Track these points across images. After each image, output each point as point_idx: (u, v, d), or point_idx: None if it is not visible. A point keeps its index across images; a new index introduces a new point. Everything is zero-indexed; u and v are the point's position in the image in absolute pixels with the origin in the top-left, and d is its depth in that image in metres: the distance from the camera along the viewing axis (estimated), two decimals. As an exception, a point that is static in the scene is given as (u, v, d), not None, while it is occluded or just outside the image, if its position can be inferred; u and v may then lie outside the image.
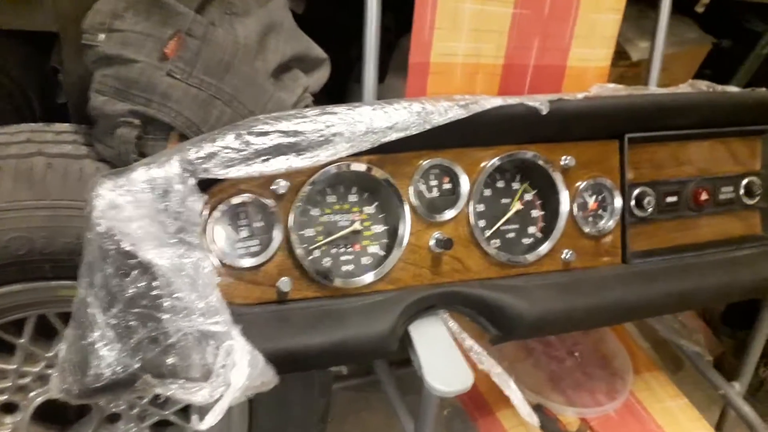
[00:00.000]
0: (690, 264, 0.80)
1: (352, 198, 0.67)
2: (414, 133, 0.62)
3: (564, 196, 0.74)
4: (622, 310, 0.76)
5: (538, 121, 0.68)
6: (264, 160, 0.57)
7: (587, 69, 1.04)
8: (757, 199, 0.85)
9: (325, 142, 0.59)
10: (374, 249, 0.68)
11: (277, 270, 0.62)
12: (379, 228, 0.68)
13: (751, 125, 0.83)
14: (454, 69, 0.94)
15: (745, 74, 1.72)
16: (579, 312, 0.72)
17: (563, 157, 0.73)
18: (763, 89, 0.88)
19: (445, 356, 0.65)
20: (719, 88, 0.86)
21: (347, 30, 0.93)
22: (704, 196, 0.81)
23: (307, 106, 0.80)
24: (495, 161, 0.70)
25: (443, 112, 0.62)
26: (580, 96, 0.70)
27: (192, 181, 0.54)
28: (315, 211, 0.65)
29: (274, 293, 0.62)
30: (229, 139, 0.56)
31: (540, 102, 0.67)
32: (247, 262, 0.61)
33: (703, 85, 0.86)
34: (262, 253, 0.61)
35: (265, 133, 0.56)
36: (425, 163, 0.67)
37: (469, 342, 0.69)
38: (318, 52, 0.82)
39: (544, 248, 0.73)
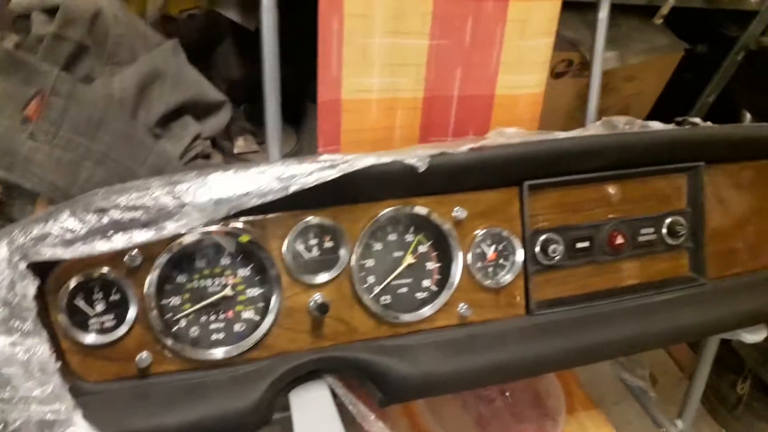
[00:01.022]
0: (604, 312, 0.77)
1: (224, 261, 0.64)
2: (274, 198, 0.59)
3: (457, 249, 0.70)
4: (524, 366, 0.72)
5: (419, 176, 0.65)
6: (103, 238, 0.54)
7: (519, 97, 1.00)
8: (683, 239, 0.80)
9: (173, 214, 0.56)
10: (249, 314, 0.65)
11: (135, 344, 0.60)
12: (254, 292, 0.65)
13: (675, 163, 0.79)
14: (369, 105, 0.91)
15: (720, 80, 1.66)
16: (472, 370, 0.68)
17: (455, 209, 0.70)
18: (693, 124, 0.83)
19: (321, 426, 0.63)
20: (638, 124, 0.82)
21: (302, 46, 0.90)
22: (620, 240, 0.77)
23: (198, 156, 0.78)
24: (378, 218, 0.67)
25: (307, 174, 0.59)
26: (465, 148, 0.66)
27: (22, 265, 0.52)
28: (181, 278, 0.63)
29: (133, 368, 0.60)
30: (63, 218, 0.53)
31: (418, 158, 0.64)
32: (100, 340, 0.59)
33: (622, 122, 0.81)
34: (117, 328, 0.59)
35: (102, 210, 0.54)
36: (300, 224, 0.64)
37: (356, 408, 0.66)
38: (214, 95, 0.79)
39: (438, 303, 0.70)
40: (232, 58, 1.36)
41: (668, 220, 0.80)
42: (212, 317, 0.64)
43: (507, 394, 0.97)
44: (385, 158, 0.63)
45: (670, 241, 0.80)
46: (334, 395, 0.66)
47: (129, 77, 0.69)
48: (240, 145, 1.57)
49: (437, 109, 0.96)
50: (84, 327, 0.59)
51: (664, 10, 1.30)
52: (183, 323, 0.63)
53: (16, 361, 0.52)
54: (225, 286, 0.64)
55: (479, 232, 0.71)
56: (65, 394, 0.54)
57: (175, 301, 0.62)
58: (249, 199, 0.58)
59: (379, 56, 0.88)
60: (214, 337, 0.64)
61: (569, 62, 1.57)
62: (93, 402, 0.57)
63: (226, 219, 0.60)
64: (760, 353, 1.48)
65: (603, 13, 1.00)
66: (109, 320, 0.60)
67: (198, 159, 0.77)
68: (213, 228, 0.61)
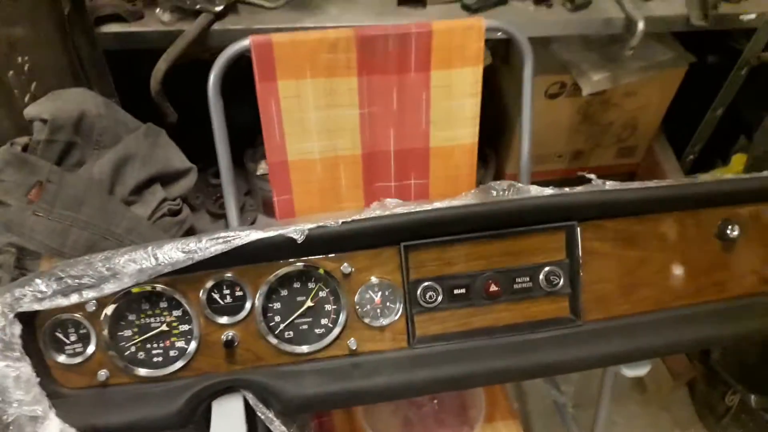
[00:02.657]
0: (481, 347, 0.92)
1: (163, 305, 0.87)
2: (183, 266, 0.81)
3: (345, 296, 0.89)
4: (399, 389, 0.89)
5: (306, 243, 0.84)
6: (63, 296, 0.80)
7: (454, 147, 1.15)
8: (559, 286, 0.93)
9: (109, 278, 0.80)
10: (180, 344, 0.88)
11: (97, 364, 0.85)
12: (184, 327, 0.88)
13: (548, 223, 0.91)
14: (313, 164, 1.10)
15: (726, 94, 1.68)
16: (349, 392, 0.87)
17: (343, 265, 0.88)
18: (566, 190, 0.94)
19: (230, 427, 0.86)
20: (515, 189, 0.94)
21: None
22: (494, 288, 0.92)
23: (165, 214, 1.01)
24: (275, 275, 0.87)
25: (204, 249, 0.81)
26: (339, 221, 0.84)
27: (11, 315, 0.78)
28: (132, 317, 0.87)
29: (97, 381, 0.86)
30: (36, 284, 0.79)
31: (297, 231, 0.83)
32: (72, 360, 0.85)
33: (503, 187, 0.94)
34: (84, 352, 0.85)
35: (60, 278, 0.79)
36: (209, 283, 0.85)
37: (264, 414, 0.88)
38: (179, 165, 1.03)
39: (330, 338, 0.89)
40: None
41: (546, 269, 0.93)
42: (154, 345, 0.88)
43: (435, 401, 1.15)
44: (270, 233, 0.83)
45: (547, 288, 0.93)
46: (249, 404, 0.89)
47: (105, 163, 0.94)
48: (263, 167, 1.81)
49: (377, 161, 1.14)
50: (61, 351, 0.85)
51: (634, 41, 1.35)
52: (133, 349, 0.87)
53: (9, 377, 0.79)
54: (163, 323, 0.87)
55: (366, 283, 0.89)
56: (44, 399, 0.81)
57: (126, 333, 0.87)
58: (163, 268, 0.81)
59: (315, 125, 1.07)
60: (155, 360, 0.88)
61: (562, 84, 1.65)
62: (69, 403, 0.84)
63: (159, 277, 0.83)
64: (741, 379, 1.51)
65: (528, 71, 1.11)
66: (78, 347, 0.85)
67: (166, 217, 1.00)
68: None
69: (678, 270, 0.96)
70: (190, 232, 1.07)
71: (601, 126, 1.78)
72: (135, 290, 0.83)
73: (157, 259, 0.80)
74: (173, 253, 0.81)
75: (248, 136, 1.84)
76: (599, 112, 1.74)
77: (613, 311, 0.95)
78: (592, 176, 0.98)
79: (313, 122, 1.06)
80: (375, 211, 0.89)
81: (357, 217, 0.86)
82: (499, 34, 1.06)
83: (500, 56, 1.78)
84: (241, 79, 1.36)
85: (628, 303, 0.95)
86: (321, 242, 0.86)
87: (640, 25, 1.31)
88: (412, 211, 0.87)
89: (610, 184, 0.95)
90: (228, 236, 0.82)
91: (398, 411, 1.14)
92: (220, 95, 1.01)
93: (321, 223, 0.85)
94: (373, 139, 1.11)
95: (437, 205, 0.89)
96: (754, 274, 0.99)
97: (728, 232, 0.94)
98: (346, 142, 1.09)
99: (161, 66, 1.18)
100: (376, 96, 1.07)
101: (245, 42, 0.98)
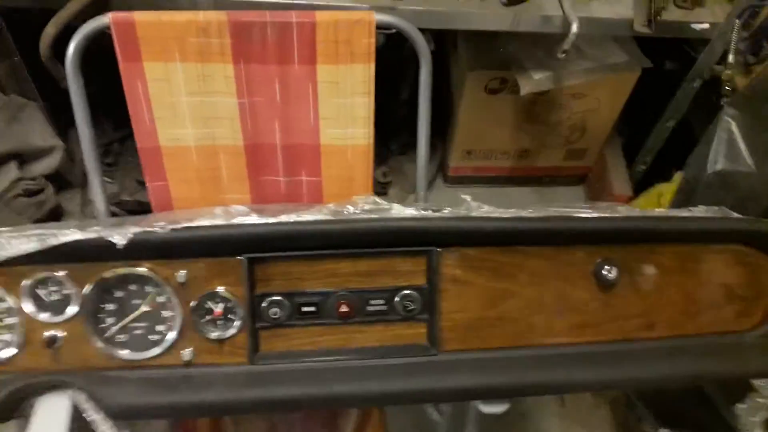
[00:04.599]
0: (326, 368, 0.87)
1: (-23, 300, 0.83)
2: (-5, 262, 0.76)
3: (180, 305, 0.84)
4: (233, 406, 0.85)
5: (132, 247, 0.78)
6: None
7: (346, 147, 1.08)
8: (415, 312, 0.88)
9: None
10: (6, 338, 0.84)
11: None
12: (10, 321, 0.83)
13: (406, 246, 0.85)
14: (188, 151, 1.04)
15: (678, 106, 1.58)
16: (177, 406, 0.83)
17: (179, 272, 0.82)
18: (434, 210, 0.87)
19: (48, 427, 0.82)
20: (376, 206, 0.88)
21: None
22: (345, 308, 0.86)
23: (20, 195, 0.96)
24: (102, 276, 0.82)
25: (14, 246, 0.75)
26: (168, 228, 0.79)
27: None
28: (-47, 309, 0.82)
29: None
30: None
31: (120, 235, 0.77)
32: None
33: (362, 202, 0.88)
34: None
35: None
36: (31, 278, 0.80)
37: (92, 416, 0.84)
38: (40, 142, 0.96)
39: (162, 347, 0.85)
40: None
41: (402, 293, 0.87)
42: (-26, 338, 0.83)
43: (303, 408, 1.11)
44: (89, 234, 0.77)
45: (403, 313, 0.88)
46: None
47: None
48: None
49: (263, 154, 1.07)
50: None
51: (566, 44, 1.25)
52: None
53: None
54: (-21, 320, 0.83)
55: (204, 292, 0.84)
56: None
57: (-53, 325, 0.82)
58: (-25, 262, 0.76)
59: (189, 111, 0.99)
60: (-28, 354, 0.84)
61: (503, 80, 1.56)
62: None
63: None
64: (656, 411, 1.46)
65: (425, 73, 1.02)
66: None
67: (20, 197, 0.94)
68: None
69: (547, 308, 0.90)
70: (54, 212, 1.01)
71: (547, 126, 1.70)
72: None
73: (-37, 253, 0.75)
74: (-19, 249, 0.75)
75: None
76: (544, 111, 1.65)
77: (472, 343, 0.89)
78: (467, 197, 0.91)
79: (186, 108, 0.99)
80: (217, 218, 0.83)
81: (191, 224, 0.80)
82: (393, 30, 0.97)
83: (450, 42, 1.68)
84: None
85: (489, 337, 0.89)
86: (150, 247, 0.80)
87: (574, 27, 1.21)
88: (254, 223, 0.82)
89: (483, 210, 0.88)
90: (44, 234, 0.77)
91: (269, 416, 1.11)
92: (80, 75, 0.94)
93: (148, 228, 0.79)
94: (256, 130, 1.04)
95: (283, 218, 0.82)
96: (632, 318, 0.93)
97: (605, 273, 0.88)
98: (225, 131, 1.03)
99: (49, 30, 1.10)
100: (256, 86, 0.99)
101: (104, 19, 0.90)
